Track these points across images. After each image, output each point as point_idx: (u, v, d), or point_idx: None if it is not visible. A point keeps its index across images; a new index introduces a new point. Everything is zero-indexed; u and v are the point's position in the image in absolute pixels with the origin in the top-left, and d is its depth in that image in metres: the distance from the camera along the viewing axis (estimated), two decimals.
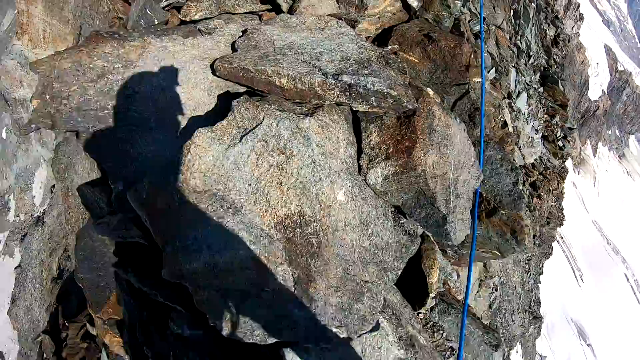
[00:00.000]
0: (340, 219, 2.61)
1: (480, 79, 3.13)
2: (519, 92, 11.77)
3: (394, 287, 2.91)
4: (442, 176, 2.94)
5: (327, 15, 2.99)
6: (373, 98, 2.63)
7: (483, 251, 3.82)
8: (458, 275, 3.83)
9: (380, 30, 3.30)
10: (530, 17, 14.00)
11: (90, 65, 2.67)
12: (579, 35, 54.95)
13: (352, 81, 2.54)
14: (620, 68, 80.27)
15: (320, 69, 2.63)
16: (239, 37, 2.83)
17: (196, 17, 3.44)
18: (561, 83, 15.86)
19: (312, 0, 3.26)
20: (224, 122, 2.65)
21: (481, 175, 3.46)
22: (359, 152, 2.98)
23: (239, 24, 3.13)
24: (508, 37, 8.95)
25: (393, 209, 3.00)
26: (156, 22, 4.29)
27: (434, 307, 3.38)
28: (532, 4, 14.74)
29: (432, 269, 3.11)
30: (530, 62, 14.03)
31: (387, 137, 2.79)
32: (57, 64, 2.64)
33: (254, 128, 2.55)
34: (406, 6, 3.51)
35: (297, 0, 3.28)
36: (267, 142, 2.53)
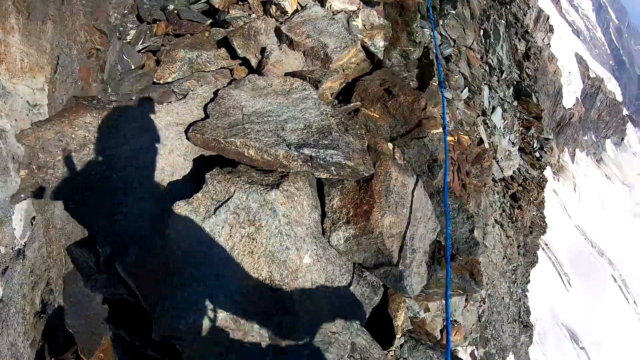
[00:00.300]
0: (307, 280, 2.81)
1: (439, 130, 3.29)
2: (494, 108, 12.13)
3: (363, 329, 3.02)
4: (398, 234, 3.11)
5: (292, 77, 3.14)
6: (333, 168, 2.81)
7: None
8: (427, 310, 3.95)
9: (344, 84, 3.44)
10: (501, 33, 14.51)
11: (73, 136, 2.81)
12: (550, 46, 56.75)
13: (313, 154, 2.73)
14: (592, 75, 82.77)
15: (285, 140, 2.79)
16: (211, 102, 2.96)
17: (169, 80, 3.56)
18: (535, 95, 16.37)
19: (280, 55, 3.41)
20: (199, 194, 2.83)
21: (438, 227, 3.59)
22: (323, 214, 3.18)
23: (211, 84, 3.24)
24: (479, 56, 9.28)
25: (356, 265, 3.18)
26: (133, 67, 4.40)
27: (404, 344, 3.49)
28: (502, 20, 15.28)
29: (398, 312, 3.28)
30: (503, 77, 14.48)
31: (347, 201, 2.95)
32: (41, 135, 2.77)
33: (226, 201, 2.71)
34: (369, 54, 3.67)
35: (265, 56, 3.42)
36: (238, 215, 2.69)
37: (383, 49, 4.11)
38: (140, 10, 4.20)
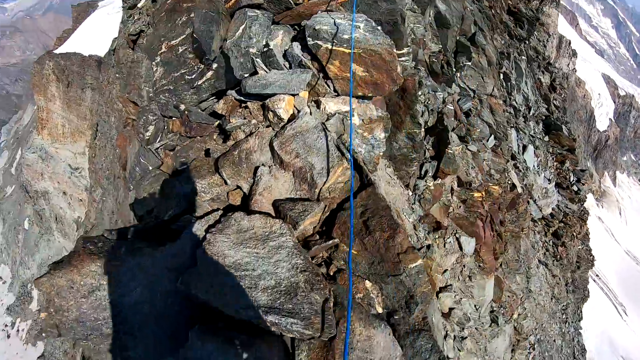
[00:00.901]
0: None
1: (417, 263, 3.24)
2: (525, 147, 11.86)
3: None
4: None
5: (272, 218, 3.24)
6: (296, 332, 2.85)
7: None
8: None
9: (328, 213, 3.47)
10: (523, 70, 14.42)
11: (82, 283, 3.11)
12: (575, 70, 56.12)
13: (277, 321, 2.83)
14: (622, 93, 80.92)
15: (256, 301, 2.94)
16: (199, 249, 3.11)
17: (166, 218, 3.68)
18: (565, 126, 15.97)
19: (269, 181, 3.51)
20: (182, 350, 2.90)
21: None
22: None
23: (202, 223, 3.34)
24: (502, 101, 9.16)
25: None
26: (150, 168, 4.58)
27: None
28: (523, 57, 15.22)
29: None
30: (530, 113, 14.24)
31: (313, 357, 2.95)
32: (55, 282, 3.09)
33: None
34: (358, 168, 3.65)
35: (255, 182, 3.52)
36: None
37: (384, 140, 4.14)
38: (158, 104, 4.41)
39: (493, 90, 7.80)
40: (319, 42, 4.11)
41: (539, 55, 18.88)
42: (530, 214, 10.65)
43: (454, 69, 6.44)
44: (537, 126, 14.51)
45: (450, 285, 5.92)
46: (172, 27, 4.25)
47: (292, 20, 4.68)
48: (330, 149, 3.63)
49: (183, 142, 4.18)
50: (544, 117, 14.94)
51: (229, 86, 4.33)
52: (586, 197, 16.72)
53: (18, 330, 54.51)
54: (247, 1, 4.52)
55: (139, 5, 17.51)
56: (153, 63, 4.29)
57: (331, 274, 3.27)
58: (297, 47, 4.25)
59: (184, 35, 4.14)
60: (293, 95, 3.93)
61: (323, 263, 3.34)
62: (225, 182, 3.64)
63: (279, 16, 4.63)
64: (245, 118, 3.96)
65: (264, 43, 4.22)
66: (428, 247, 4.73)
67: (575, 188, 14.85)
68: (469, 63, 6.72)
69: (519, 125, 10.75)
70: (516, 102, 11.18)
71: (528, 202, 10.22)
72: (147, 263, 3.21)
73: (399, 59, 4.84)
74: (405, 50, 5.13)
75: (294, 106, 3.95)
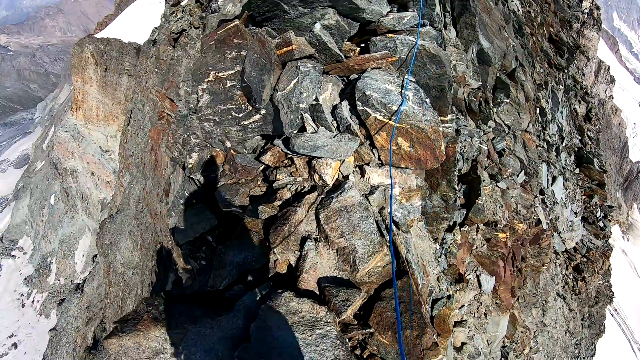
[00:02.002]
0: None
1: (439, 358, 3.42)
2: (554, 177, 11.69)
3: None
4: None
5: (319, 304, 3.42)
6: None
7: None
8: None
9: (366, 299, 3.66)
10: (560, 99, 14.20)
11: (147, 345, 3.44)
12: (612, 97, 54.71)
13: None
14: None
15: None
16: (252, 325, 3.34)
17: (221, 287, 3.86)
18: (597, 159, 15.64)
19: (315, 258, 3.65)
20: None
21: None
22: None
23: (254, 295, 3.55)
24: (536, 136, 9.08)
25: None
26: (194, 201, 4.78)
27: None
28: (560, 86, 14.99)
29: None
30: (564, 144, 14.03)
31: None
32: (123, 343, 3.34)
33: None
34: (397, 252, 3.82)
35: (302, 258, 3.68)
36: None
37: (420, 207, 4.31)
38: (202, 132, 4.56)
39: (528, 126, 7.75)
40: (368, 110, 4.23)
41: (577, 84, 18.55)
42: (553, 247, 10.52)
43: (492, 105, 6.45)
44: (569, 157, 14.27)
45: (465, 320, 5.95)
46: (220, 58, 4.32)
47: (341, 72, 4.81)
48: (373, 232, 3.80)
49: (227, 179, 4.34)
50: (576, 149, 14.68)
51: (276, 133, 4.43)
52: (611, 233, 16.34)
53: (33, 301, 56.26)
54: (299, 52, 4.62)
55: (183, 3, 17.76)
56: (199, 88, 4.41)
57: (364, 357, 3.47)
58: (345, 109, 4.34)
59: (233, 71, 4.24)
60: (340, 160, 4.09)
61: (358, 345, 3.53)
62: (274, 253, 3.84)
63: (329, 66, 4.76)
64: (291, 175, 4.12)
65: (314, 98, 4.35)
66: (448, 297, 4.82)
67: (601, 224, 14.54)
68: (507, 100, 6.72)
69: (551, 160, 10.62)
70: (549, 138, 11.04)
71: (554, 230, 10.10)
72: (207, 331, 3.48)
73: (443, 125, 4.93)
74: (449, 117, 5.27)
75: (339, 170, 4.12)
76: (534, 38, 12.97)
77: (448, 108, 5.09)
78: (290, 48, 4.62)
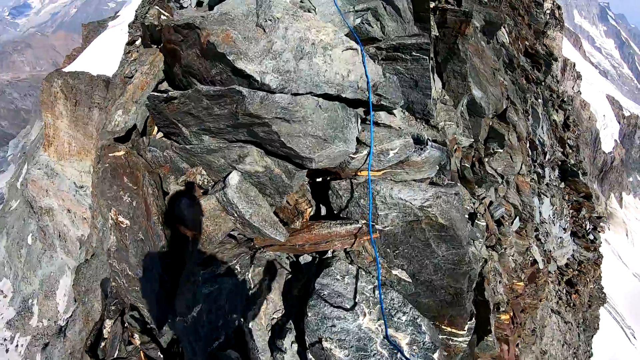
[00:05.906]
0: None
1: None
2: (540, 195, 11.63)
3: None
4: None
5: None
6: None
7: None
8: None
9: None
10: (540, 114, 14.25)
11: None
12: (580, 93, 56.10)
13: None
14: (626, 114, 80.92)
15: None
16: None
17: None
18: (581, 172, 15.74)
19: None
20: None
21: None
22: None
23: None
24: (527, 171, 8.94)
25: None
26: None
27: None
28: (540, 100, 15.07)
29: None
30: (546, 158, 14.05)
31: None
32: None
33: None
34: None
35: None
36: None
37: None
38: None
39: (521, 168, 7.54)
40: None
41: (553, 93, 18.77)
42: (549, 278, 10.41)
43: (485, 158, 6.15)
44: (553, 172, 14.31)
45: None
46: (117, 196, 3.42)
47: (283, 251, 3.40)
48: None
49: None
50: (559, 163, 14.74)
51: None
52: (601, 244, 16.45)
53: (17, 345, 53.93)
54: (214, 232, 3.31)
55: (137, 43, 17.48)
56: (109, 217, 3.49)
57: None
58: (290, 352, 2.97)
59: (130, 222, 3.43)
60: None
61: None
62: None
63: (260, 241, 3.32)
64: None
65: (236, 324, 3.25)
66: None
67: (591, 237, 14.59)
68: (501, 151, 6.45)
69: (542, 190, 10.53)
70: (540, 171, 10.94)
71: (549, 273, 9.99)
72: None
73: (456, 339, 3.67)
74: (465, 331, 3.68)
75: None
76: (513, 50, 12.97)
77: (463, 318, 3.51)
78: (187, 234, 3.21)
